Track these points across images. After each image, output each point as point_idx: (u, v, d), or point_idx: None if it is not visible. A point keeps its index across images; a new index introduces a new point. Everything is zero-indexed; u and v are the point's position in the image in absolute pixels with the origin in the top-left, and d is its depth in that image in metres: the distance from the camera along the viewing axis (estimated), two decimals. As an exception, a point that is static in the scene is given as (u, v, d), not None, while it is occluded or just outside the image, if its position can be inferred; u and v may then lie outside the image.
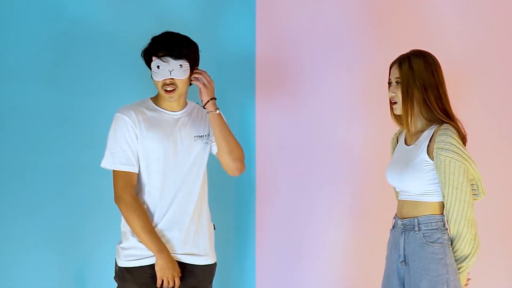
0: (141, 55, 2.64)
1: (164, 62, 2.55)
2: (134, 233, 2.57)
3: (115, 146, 2.59)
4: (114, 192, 2.59)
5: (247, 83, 3.29)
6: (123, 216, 2.59)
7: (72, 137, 3.05)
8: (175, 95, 2.60)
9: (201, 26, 3.19)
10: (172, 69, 2.56)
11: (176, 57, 2.56)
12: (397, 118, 2.64)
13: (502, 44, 3.25)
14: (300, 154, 3.28)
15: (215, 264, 2.76)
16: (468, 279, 2.50)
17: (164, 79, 2.57)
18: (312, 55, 3.27)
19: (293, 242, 3.28)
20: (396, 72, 2.54)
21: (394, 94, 2.55)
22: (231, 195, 3.25)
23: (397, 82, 2.54)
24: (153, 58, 2.57)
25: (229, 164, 2.72)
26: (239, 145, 2.73)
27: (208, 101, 2.62)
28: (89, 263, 3.03)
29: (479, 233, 2.44)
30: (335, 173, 3.27)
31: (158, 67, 2.56)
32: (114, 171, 2.60)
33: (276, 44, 3.28)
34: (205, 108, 2.64)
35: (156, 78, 2.58)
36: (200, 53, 2.68)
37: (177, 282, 2.58)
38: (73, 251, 3.05)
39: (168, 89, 2.59)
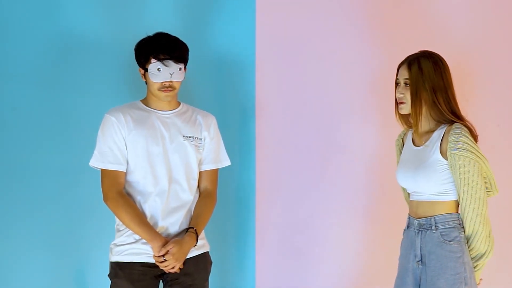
0: (136, 51, 2.66)
1: (166, 66, 2.58)
2: (126, 227, 2.60)
3: (103, 146, 2.62)
4: (102, 192, 2.63)
5: (247, 83, 3.27)
6: (113, 213, 2.62)
7: (71, 137, 3.05)
8: (171, 94, 2.64)
9: (200, 28, 3.18)
10: (173, 72, 2.60)
11: (178, 61, 2.61)
12: (402, 118, 2.65)
13: (502, 44, 3.28)
14: (300, 154, 3.27)
15: (208, 254, 2.76)
16: (480, 279, 2.51)
17: (164, 82, 2.60)
18: (313, 55, 3.27)
19: (293, 242, 3.27)
20: (405, 73, 2.53)
21: (402, 95, 2.54)
22: (231, 195, 3.23)
23: (405, 84, 2.53)
24: (152, 60, 2.59)
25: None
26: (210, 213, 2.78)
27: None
28: (88, 263, 3.04)
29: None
30: (335, 173, 3.26)
31: (158, 69, 2.59)
32: (102, 170, 2.63)
33: (276, 45, 3.27)
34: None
35: (155, 80, 2.61)
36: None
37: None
38: (72, 251, 3.04)
39: (166, 90, 2.63)
